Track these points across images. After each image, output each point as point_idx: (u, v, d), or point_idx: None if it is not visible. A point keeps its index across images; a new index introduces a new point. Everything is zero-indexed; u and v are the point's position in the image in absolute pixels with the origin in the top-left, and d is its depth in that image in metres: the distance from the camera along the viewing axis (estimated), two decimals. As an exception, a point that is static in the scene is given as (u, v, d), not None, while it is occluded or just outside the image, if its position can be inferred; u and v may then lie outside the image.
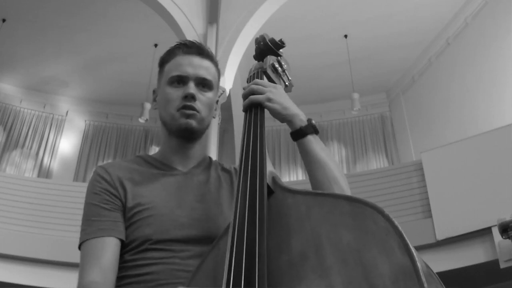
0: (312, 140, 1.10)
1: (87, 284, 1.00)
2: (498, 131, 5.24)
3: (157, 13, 6.68)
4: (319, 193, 0.85)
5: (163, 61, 1.25)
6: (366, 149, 8.74)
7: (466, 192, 5.02)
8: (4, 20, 7.52)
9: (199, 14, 6.68)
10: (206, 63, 1.22)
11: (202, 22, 6.67)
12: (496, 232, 4.50)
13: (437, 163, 5.48)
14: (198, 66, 1.20)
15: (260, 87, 1.14)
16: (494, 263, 4.58)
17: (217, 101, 1.26)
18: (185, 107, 1.16)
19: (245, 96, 1.15)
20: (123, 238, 1.09)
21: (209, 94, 1.21)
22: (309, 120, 1.12)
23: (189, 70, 1.19)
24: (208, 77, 1.21)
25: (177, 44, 1.26)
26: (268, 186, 0.92)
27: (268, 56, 1.27)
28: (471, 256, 4.79)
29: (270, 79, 1.23)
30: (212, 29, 6.59)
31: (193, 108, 1.17)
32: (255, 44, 1.31)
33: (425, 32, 7.68)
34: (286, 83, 1.27)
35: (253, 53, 1.33)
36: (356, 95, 7.67)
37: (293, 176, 8.67)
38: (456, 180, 5.18)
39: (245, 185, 0.92)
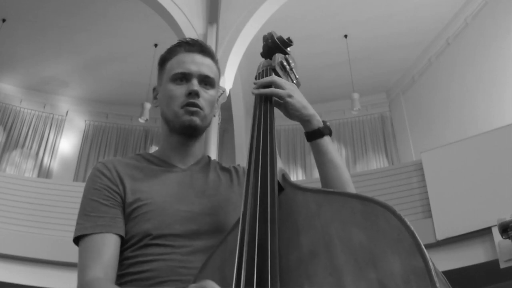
0: (328, 141, 1.13)
1: (90, 280, 0.99)
2: (498, 131, 5.24)
3: (157, 13, 6.68)
4: (330, 191, 0.85)
5: (165, 59, 1.25)
6: (366, 149, 8.74)
7: (466, 192, 5.02)
8: (4, 20, 7.51)
9: (199, 14, 6.68)
10: (208, 61, 1.23)
11: (202, 22, 6.67)
12: (496, 232, 4.51)
13: (437, 163, 5.48)
14: (200, 63, 1.21)
15: (282, 81, 1.15)
16: (494, 263, 4.58)
17: (217, 100, 1.27)
18: (189, 104, 1.16)
19: (263, 85, 1.15)
20: (123, 234, 1.08)
21: (211, 92, 1.22)
22: (324, 122, 1.15)
23: (192, 68, 1.19)
24: (211, 74, 1.22)
25: (178, 42, 1.26)
26: (278, 183, 0.91)
27: (277, 54, 1.28)
28: (471, 256, 4.79)
29: (278, 77, 1.23)
30: (212, 29, 6.59)
31: (196, 105, 1.17)
32: (263, 42, 1.32)
33: (425, 32, 7.68)
34: (294, 81, 1.28)
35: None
36: (356, 95, 7.67)
37: (293, 176, 8.66)
38: (456, 180, 5.18)
39: (255, 181, 0.91)
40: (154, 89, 1.29)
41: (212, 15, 6.60)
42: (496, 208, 4.55)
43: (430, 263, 0.63)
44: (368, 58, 8.12)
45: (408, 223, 0.69)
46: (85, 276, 1.01)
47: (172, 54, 1.23)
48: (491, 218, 4.56)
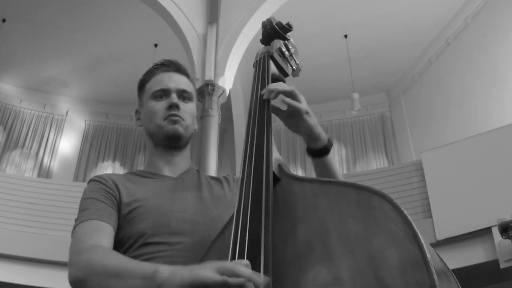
0: (331, 156, 1.13)
1: (88, 247, 1.00)
2: (498, 131, 5.24)
3: (157, 13, 6.68)
4: (326, 181, 0.83)
5: (143, 82, 1.32)
6: (366, 149, 8.73)
7: (466, 192, 5.02)
8: (4, 20, 7.51)
9: (199, 14, 6.68)
10: (184, 78, 1.31)
11: (202, 22, 6.67)
12: (496, 232, 4.50)
13: (437, 163, 5.48)
14: (178, 81, 1.29)
15: (298, 94, 1.08)
16: (494, 263, 4.58)
17: (196, 115, 1.33)
18: (170, 115, 1.23)
19: (281, 92, 1.06)
20: (116, 231, 1.11)
21: (190, 105, 1.29)
22: (328, 138, 1.12)
23: (171, 84, 1.27)
24: (188, 89, 1.29)
25: (155, 65, 1.34)
26: (274, 174, 0.90)
27: (275, 40, 1.27)
28: (471, 256, 4.79)
29: (277, 64, 1.22)
30: (212, 29, 6.59)
31: (178, 116, 1.23)
32: (262, 28, 1.31)
33: (425, 32, 7.67)
34: (294, 67, 1.27)
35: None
36: (356, 95, 7.66)
37: (293, 176, 8.65)
38: (456, 180, 5.18)
39: (249, 172, 0.91)
40: (136, 112, 1.35)
41: (212, 15, 6.61)
42: (496, 208, 4.55)
43: (428, 253, 0.62)
44: (368, 58, 8.12)
45: (405, 212, 0.67)
46: (82, 244, 1.02)
47: (150, 76, 1.31)
48: (491, 218, 4.56)
